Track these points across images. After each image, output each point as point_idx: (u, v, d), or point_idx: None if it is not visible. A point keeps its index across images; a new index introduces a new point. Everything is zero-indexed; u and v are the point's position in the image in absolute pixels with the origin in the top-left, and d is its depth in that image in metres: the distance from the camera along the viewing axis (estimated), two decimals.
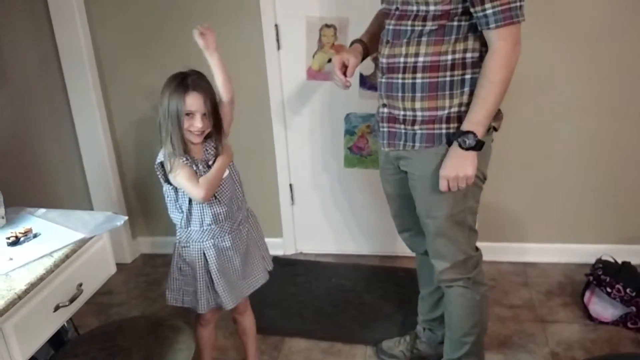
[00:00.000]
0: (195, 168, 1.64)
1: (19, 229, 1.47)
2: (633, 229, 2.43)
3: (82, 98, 2.52)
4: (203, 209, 1.68)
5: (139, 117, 2.62)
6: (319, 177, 2.60)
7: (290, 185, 2.63)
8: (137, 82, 2.56)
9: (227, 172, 1.73)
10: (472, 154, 1.48)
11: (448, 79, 1.48)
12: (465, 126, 1.47)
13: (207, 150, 1.69)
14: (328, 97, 2.43)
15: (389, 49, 1.52)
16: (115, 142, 2.69)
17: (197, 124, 1.59)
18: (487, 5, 1.36)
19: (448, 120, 1.52)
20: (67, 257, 1.38)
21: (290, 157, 2.58)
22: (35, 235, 1.47)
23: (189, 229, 1.71)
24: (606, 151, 2.34)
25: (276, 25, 2.34)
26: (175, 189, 1.68)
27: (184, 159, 1.61)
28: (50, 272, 1.32)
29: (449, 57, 1.46)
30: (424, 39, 1.46)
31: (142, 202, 2.81)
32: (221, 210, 1.69)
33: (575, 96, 2.27)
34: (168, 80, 1.63)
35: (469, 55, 1.47)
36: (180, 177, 1.61)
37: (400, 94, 1.53)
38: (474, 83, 1.47)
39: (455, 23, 1.43)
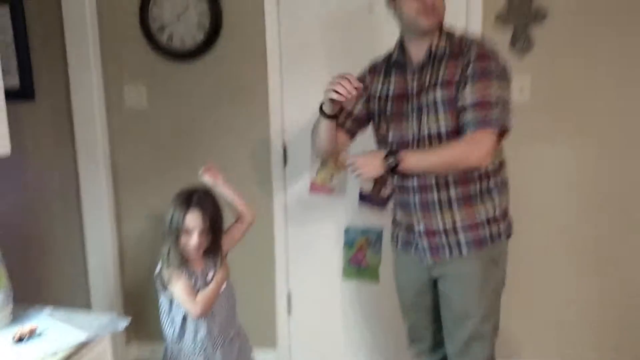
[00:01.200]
0: (193, 280, 1.69)
1: (24, 327, 1.51)
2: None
3: (94, 201, 2.65)
4: (198, 323, 1.71)
5: (146, 223, 2.73)
6: (318, 288, 2.64)
7: (288, 294, 2.67)
8: (149, 192, 2.69)
9: (223, 287, 1.78)
10: (381, 162, 1.62)
11: (477, 187, 1.67)
12: (403, 152, 1.64)
13: (207, 263, 1.76)
14: (329, 210, 2.55)
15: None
16: (121, 245, 2.77)
17: (192, 242, 1.67)
18: (470, 112, 1.59)
19: (488, 222, 1.69)
20: (69, 357, 1.42)
21: (289, 267, 2.64)
22: (40, 334, 1.51)
23: (181, 343, 1.72)
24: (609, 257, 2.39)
25: (284, 145, 2.53)
26: (170, 301, 1.72)
27: (182, 271, 1.68)
28: None
29: (474, 170, 1.65)
30: None
31: (140, 307, 2.82)
32: (215, 325, 1.72)
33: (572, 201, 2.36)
34: (176, 194, 1.74)
35: (490, 165, 1.67)
36: (178, 289, 1.66)
37: (438, 208, 1.68)
38: (498, 189, 1.71)
39: None
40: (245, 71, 2.51)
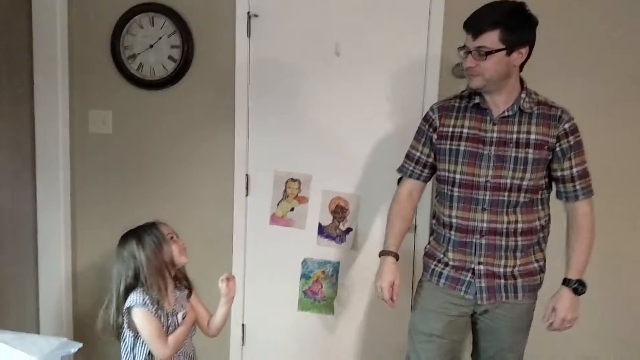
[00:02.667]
0: (164, 320, 1.71)
1: None
2: None
3: (50, 225, 2.62)
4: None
5: (103, 252, 2.69)
6: (272, 319, 2.66)
7: (243, 325, 2.68)
8: (108, 219, 2.68)
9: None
10: (579, 299, 1.79)
11: (536, 239, 1.82)
12: (575, 275, 1.79)
13: (177, 301, 1.78)
14: (287, 242, 2.60)
15: (488, 215, 1.78)
16: (75, 273, 2.73)
17: (182, 240, 1.78)
18: (577, 183, 1.79)
19: (540, 271, 1.87)
20: None
21: (245, 297, 2.66)
22: None
23: None
24: None
25: (247, 175, 2.58)
26: (135, 337, 1.72)
27: (154, 310, 1.69)
28: None
29: (537, 222, 1.81)
30: (518, 208, 1.78)
31: (91, 332, 2.75)
32: None
33: None
34: (126, 237, 1.80)
35: (546, 219, 1.87)
36: (148, 330, 1.67)
37: (503, 254, 1.79)
38: (545, 240, 1.88)
39: (539, 196, 1.82)
40: (213, 102, 2.57)
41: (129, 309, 1.70)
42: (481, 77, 1.71)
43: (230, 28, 2.50)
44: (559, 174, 1.79)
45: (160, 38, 2.54)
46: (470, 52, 1.70)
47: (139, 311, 1.68)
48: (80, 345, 1.59)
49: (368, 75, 2.46)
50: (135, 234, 1.78)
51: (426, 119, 1.91)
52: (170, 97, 2.58)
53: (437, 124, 1.86)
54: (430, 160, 1.91)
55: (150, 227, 1.79)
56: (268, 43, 2.51)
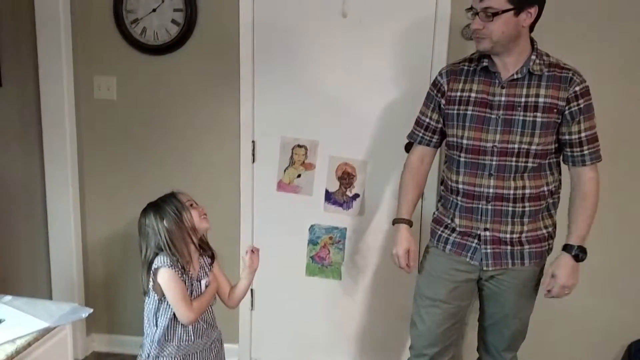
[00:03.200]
0: (188, 285, 1.72)
1: None
2: None
3: (60, 192, 2.62)
4: (185, 327, 1.74)
5: (112, 217, 2.72)
6: (281, 284, 2.69)
7: (252, 290, 2.71)
8: (116, 184, 2.69)
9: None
10: (579, 266, 1.78)
11: (544, 204, 1.79)
12: (577, 241, 1.77)
13: (201, 268, 1.79)
14: (294, 208, 2.60)
15: (495, 181, 1.76)
16: (85, 239, 2.75)
17: (200, 210, 1.78)
18: (585, 147, 1.75)
19: (549, 237, 1.85)
20: (29, 344, 1.42)
21: None
22: (0, 321, 1.51)
23: (164, 345, 1.74)
24: None
25: (253, 142, 2.56)
26: (159, 301, 1.73)
27: (180, 273, 1.69)
28: (10, 358, 1.36)
29: (545, 188, 1.78)
30: (526, 174, 1.75)
31: (102, 298, 2.81)
32: (201, 329, 1.75)
33: None
34: (147, 208, 1.79)
35: (555, 184, 1.83)
36: (174, 293, 1.68)
37: (510, 220, 1.78)
38: (555, 206, 1.86)
39: (548, 161, 1.78)
40: (217, 67, 2.53)
41: (156, 270, 1.71)
42: (488, 39, 1.67)
43: None
44: (567, 137, 1.75)
45: (163, 1, 2.48)
46: (477, 13, 1.65)
47: (165, 272, 1.69)
48: (90, 310, 1.61)
49: (376, 37, 2.41)
50: (155, 206, 1.79)
51: (435, 84, 1.88)
52: (174, 62, 2.54)
53: (446, 89, 1.82)
54: (440, 126, 1.88)
55: (169, 197, 1.79)
56: (272, 3, 2.45)
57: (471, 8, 1.69)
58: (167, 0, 2.47)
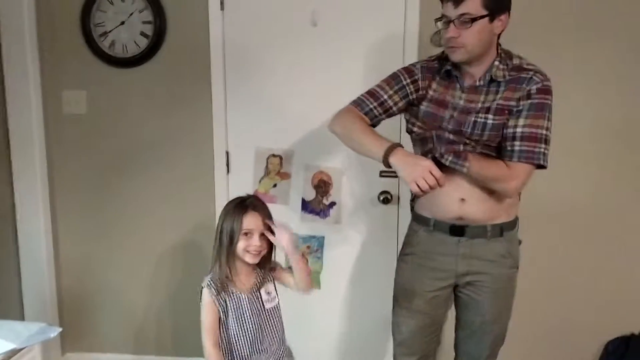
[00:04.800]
0: (227, 301, 1.66)
1: None
2: None
3: (30, 209, 2.57)
4: (241, 343, 1.70)
5: (85, 231, 2.67)
6: None
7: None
8: (87, 199, 2.65)
9: (273, 303, 1.78)
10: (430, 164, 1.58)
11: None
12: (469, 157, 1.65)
13: (256, 277, 1.72)
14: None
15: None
16: (58, 255, 2.69)
17: (255, 242, 1.63)
18: (517, 142, 1.66)
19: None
20: None
21: None
22: None
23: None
24: None
25: (227, 152, 2.54)
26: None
27: (216, 299, 1.64)
28: None
29: None
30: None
31: (77, 316, 2.75)
32: (258, 344, 1.71)
33: None
34: (227, 205, 1.71)
35: None
36: (203, 317, 1.66)
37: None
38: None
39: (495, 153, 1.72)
40: (189, 79, 2.51)
41: (202, 289, 1.69)
42: (463, 49, 1.64)
43: (202, 1, 2.44)
44: (505, 131, 1.68)
45: (131, 14, 2.46)
46: (451, 21, 1.62)
47: (204, 292, 1.68)
48: (59, 329, 1.58)
49: (346, 46, 2.42)
50: (226, 208, 1.70)
51: (410, 73, 1.79)
52: (145, 74, 2.52)
53: (420, 86, 1.78)
54: (395, 110, 1.80)
55: (238, 211, 1.65)
56: (243, 16, 2.45)
57: (441, 17, 1.66)
58: (136, 12, 2.46)
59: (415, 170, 1.55)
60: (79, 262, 2.70)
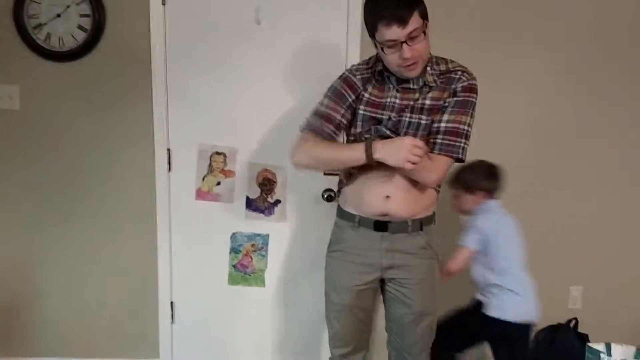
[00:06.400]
0: None
1: None
2: None
3: None
4: None
5: (14, 233, 2.56)
6: (202, 295, 2.63)
7: (172, 302, 2.63)
8: (19, 198, 2.54)
9: None
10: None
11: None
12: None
13: None
14: (215, 217, 2.56)
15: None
16: None
17: None
18: (440, 136, 1.74)
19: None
20: None
21: (173, 275, 2.61)
22: None
23: None
24: None
25: (168, 150, 2.51)
26: None
27: None
28: None
29: None
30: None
31: (10, 320, 2.63)
32: None
33: None
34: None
35: None
36: None
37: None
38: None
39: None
40: (129, 74, 2.45)
41: None
42: (420, 61, 1.69)
43: None
44: (434, 125, 1.76)
45: (68, 7, 2.38)
46: (403, 42, 1.62)
47: None
48: None
49: (289, 46, 2.44)
50: None
51: (352, 89, 1.82)
52: (82, 69, 2.44)
53: (361, 93, 1.82)
54: (345, 124, 1.84)
55: None
56: (185, 11, 2.42)
57: (386, 44, 1.64)
58: (73, 5, 2.38)
59: (401, 152, 1.64)
60: (12, 266, 2.58)
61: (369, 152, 1.68)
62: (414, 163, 1.64)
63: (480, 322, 2.14)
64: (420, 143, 1.66)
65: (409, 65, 1.67)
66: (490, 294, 2.13)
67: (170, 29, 2.43)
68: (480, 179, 2.14)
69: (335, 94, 1.84)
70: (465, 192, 2.17)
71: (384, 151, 1.67)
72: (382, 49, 1.68)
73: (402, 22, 1.60)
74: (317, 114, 1.85)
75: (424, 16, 1.66)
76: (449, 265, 2.09)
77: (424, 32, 1.65)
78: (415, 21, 1.61)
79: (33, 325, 2.63)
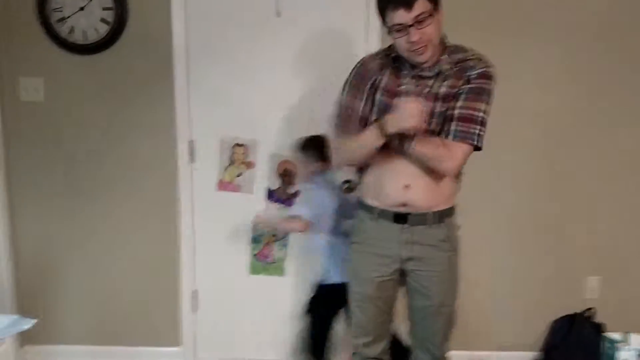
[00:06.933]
0: None
1: None
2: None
3: None
4: None
5: (43, 221, 2.62)
6: (224, 284, 2.68)
7: (194, 291, 2.68)
8: (45, 189, 2.59)
9: None
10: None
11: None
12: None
13: None
14: (236, 207, 2.60)
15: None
16: (16, 245, 2.63)
17: None
18: (454, 123, 1.74)
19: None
20: None
21: (196, 264, 2.66)
22: None
23: None
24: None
25: (191, 141, 2.54)
26: None
27: None
28: None
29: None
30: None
31: (36, 307, 2.69)
32: None
33: None
34: None
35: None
36: None
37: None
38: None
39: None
40: (151, 67, 2.49)
41: None
42: (429, 45, 1.70)
43: None
44: (448, 112, 1.76)
45: (91, 0, 2.41)
46: (409, 26, 1.66)
47: None
48: (34, 321, 1.55)
49: (310, 38, 2.45)
50: None
51: (364, 79, 1.84)
52: (105, 61, 2.48)
53: (377, 79, 1.82)
54: (369, 114, 1.84)
55: None
56: (206, 4, 2.45)
57: (394, 28, 1.68)
58: None
59: (404, 117, 1.66)
60: (38, 254, 2.64)
61: (381, 128, 1.70)
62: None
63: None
64: (415, 102, 1.67)
65: (417, 49, 1.69)
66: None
67: (191, 21, 2.45)
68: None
69: (351, 87, 1.87)
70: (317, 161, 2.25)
71: (393, 125, 1.68)
72: (392, 33, 1.71)
73: (408, 5, 1.63)
74: (340, 113, 1.88)
75: (434, 1, 1.67)
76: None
77: (432, 16, 1.66)
78: (422, 5, 1.64)
79: (56, 313, 2.69)
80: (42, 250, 2.64)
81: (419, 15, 1.64)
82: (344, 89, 1.88)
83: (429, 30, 1.67)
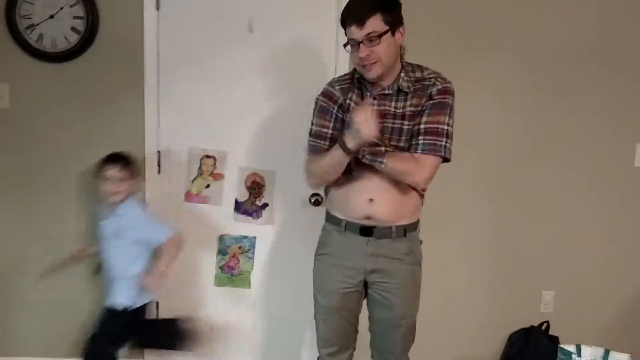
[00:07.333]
0: None
1: None
2: None
3: None
4: None
5: (7, 230, 2.56)
6: (189, 296, 2.67)
7: (157, 302, 2.66)
8: (6, 199, 2.55)
9: None
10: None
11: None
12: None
13: None
14: (203, 219, 2.61)
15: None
16: None
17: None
18: (421, 137, 1.82)
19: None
20: None
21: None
22: None
23: None
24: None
25: (159, 152, 2.54)
26: None
27: None
28: None
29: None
30: None
31: None
32: None
33: None
34: None
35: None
36: None
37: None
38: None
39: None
40: (121, 77, 2.48)
41: None
42: (380, 63, 1.75)
43: (138, 0, 2.42)
44: (414, 128, 1.83)
45: (61, 8, 2.40)
46: (360, 42, 1.72)
47: None
48: None
49: (281, 54, 2.50)
50: None
51: (332, 100, 1.91)
52: (74, 70, 2.47)
53: (343, 104, 1.90)
54: (336, 133, 1.91)
55: None
56: (179, 16, 2.46)
57: (348, 42, 1.77)
58: (66, 7, 2.40)
59: (358, 129, 1.69)
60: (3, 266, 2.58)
61: (342, 145, 1.75)
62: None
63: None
64: (369, 111, 1.69)
65: (365, 65, 1.76)
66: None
67: (164, 33, 2.47)
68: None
69: (319, 110, 1.94)
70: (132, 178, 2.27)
71: (350, 136, 1.73)
72: (346, 47, 1.80)
73: (360, 22, 1.72)
74: (311, 134, 1.95)
75: (391, 23, 1.74)
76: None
77: (384, 36, 1.72)
78: (374, 24, 1.71)
79: (14, 324, 2.63)
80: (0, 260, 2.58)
81: (369, 33, 1.72)
82: (313, 113, 1.96)
83: (379, 49, 1.74)
